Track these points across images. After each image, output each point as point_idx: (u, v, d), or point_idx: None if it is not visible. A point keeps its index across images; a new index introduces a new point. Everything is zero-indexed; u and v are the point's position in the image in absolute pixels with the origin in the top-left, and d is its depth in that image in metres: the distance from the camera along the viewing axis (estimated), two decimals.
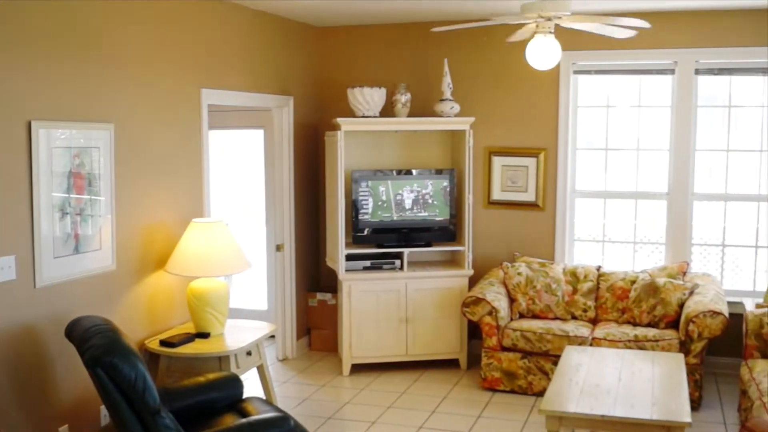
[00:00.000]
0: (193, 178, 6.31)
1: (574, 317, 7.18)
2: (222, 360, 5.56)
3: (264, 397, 5.82)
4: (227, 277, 6.95)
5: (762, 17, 7.04)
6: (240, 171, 8.69)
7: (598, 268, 7.40)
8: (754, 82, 7.34)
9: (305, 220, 8.09)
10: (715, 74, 7.38)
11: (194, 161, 6.32)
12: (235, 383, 5.08)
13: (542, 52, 5.44)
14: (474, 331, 7.46)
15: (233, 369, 5.55)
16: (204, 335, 5.77)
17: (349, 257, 7.41)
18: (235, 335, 5.86)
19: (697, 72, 7.36)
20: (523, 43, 5.60)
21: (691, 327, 6.32)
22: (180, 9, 6.08)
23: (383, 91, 7.38)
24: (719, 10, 7.10)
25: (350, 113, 7.41)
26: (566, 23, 5.43)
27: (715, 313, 6.27)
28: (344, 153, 7.28)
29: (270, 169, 7.98)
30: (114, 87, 5.36)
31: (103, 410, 5.28)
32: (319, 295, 8.10)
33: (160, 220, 5.91)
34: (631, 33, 5.66)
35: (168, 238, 5.95)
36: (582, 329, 6.79)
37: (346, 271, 7.36)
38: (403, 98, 7.47)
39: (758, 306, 6.60)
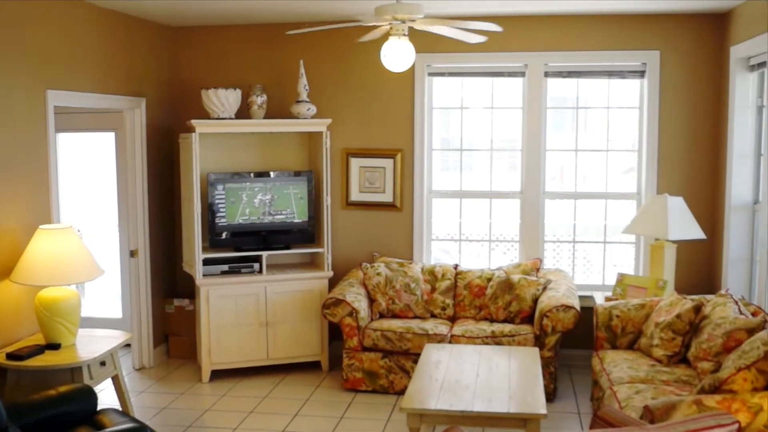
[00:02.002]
0: (39, 183, 6.04)
1: (433, 315, 7.28)
2: (74, 371, 5.35)
3: (120, 408, 5.65)
4: (78, 285, 6.70)
5: (607, 22, 7.34)
6: (92, 175, 8.41)
7: (456, 267, 7.54)
8: (600, 85, 7.64)
9: (160, 225, 7.89)
10: (564, 77, 7.64)
11: (40, 165, 6.05)
12: (89, 395, 4.90)
13: (396, 55, 5.48)
14: (335, 333, 7.46)
15: (86, 380, 5.35)
16: (54, 346, 5.54)
17: (207, 262, 7.28)
18: (88, 345, 5.66)
19: (547, 75, 7.60)
20: (378, 45, 5.64)
21: (545, 321, 6.51)
22: (24, 7, 5.81)
23: (239, 92, 7.28)
24: (567, 15, 7.36)
25: (206, 115, 7.29)
26: (420, 26, 5.49)
27: (568, 308, 6.48)
28: (199, 155, 7.15)
29: (122, 172, 7.75)
30: None
31: None
32: (176, 301, 7.92)
33: (5, 227, 5.63)
34: (482, 38, 5.77)
35: (13, 246, 5.67)
36: (441, 327, 6.89)
37: (204, 275, 7.23)
38: (259, 100, 7.40)
39: (607, 299, 6.88)
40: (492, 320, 7.05)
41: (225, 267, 7.35)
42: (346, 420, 6.34)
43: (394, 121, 7.82)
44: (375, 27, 5.65)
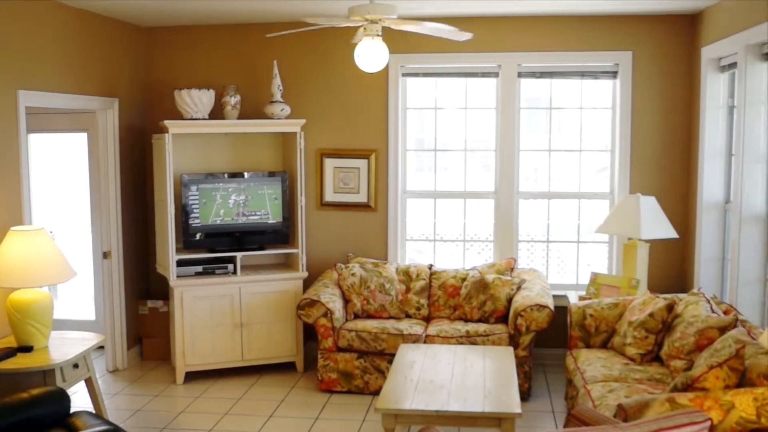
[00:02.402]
0: (11, 185, 5.98)
1: (408, 316, 7.29)
2: (47, 374, 5.30)
3: (93, 411, 5.61)
4: (51, 287, 6.65)
5: (580, 23, 7.38)
6: (64, 176, 8.34)
7: (430, 267, 7.55)
8: (573, 85, 7.68)
9: (134, 226, 7.84)
10: (537, 77, 7.67)
11: (12, 166, 5.99)
12: (61, 398, 4.85)
13: (370, 55, 5.48)
14: (310, 333, 7.45)
15: (59, 383, 5.30)
16: (26, 349, 5.48)
17: (181, 263, 7.24)
18: (61, 347, 5.61)
19: (520, 75, 7.62)
20: (352, 46, 5.63)
21: (520, 321, 6.54)
22: None
23: (212, 92, 7.25)
24: (540, 15, 7.39)
25: (179, 115, 7.25)
26: (393, 26, 5.50)
27: (542, 307, 6.51)
28: (173, 156, 7.11)
29: (95, 173, 7.69)
30: None
31: None
32: (150, 303, 7.88)
33: None
34: (461, 36, 5.78)
35: None
36: (416, 327, 6.89)
37: (178, 277, 7.19)
38: (233, 100, 7.37)
39: (581, 298, 6.92)
40: (466, 320, 7.06)
41: (199, 268, 7.31)
42: (321, 421, 6.33)
43: (368, 122, 7.81)
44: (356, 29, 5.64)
